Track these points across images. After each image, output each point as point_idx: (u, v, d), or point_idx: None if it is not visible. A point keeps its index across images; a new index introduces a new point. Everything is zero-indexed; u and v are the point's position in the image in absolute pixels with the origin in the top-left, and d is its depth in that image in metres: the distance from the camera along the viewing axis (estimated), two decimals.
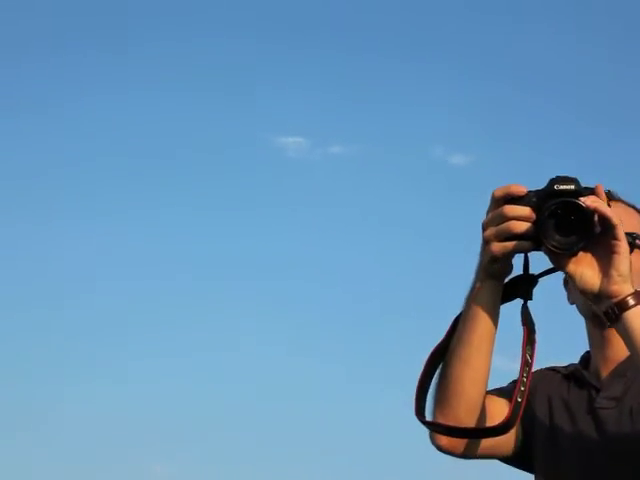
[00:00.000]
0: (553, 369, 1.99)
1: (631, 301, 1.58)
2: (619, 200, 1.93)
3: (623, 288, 1.59)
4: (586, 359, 1.96)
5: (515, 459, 1.96)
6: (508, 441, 1.91)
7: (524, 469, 1.99)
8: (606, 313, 1.61)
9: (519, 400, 1.67)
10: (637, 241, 1.89)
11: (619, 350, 1.82)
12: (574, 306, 1.94)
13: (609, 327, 1.66)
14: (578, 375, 1.93)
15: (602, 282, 1.60)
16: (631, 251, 1.85)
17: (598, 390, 1.87)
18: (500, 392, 1.90)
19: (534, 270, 1.74)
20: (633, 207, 1.97)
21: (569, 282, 1.95)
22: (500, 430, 1.72)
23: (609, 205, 1.61)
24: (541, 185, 1.64)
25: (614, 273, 1.59)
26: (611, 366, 1.88)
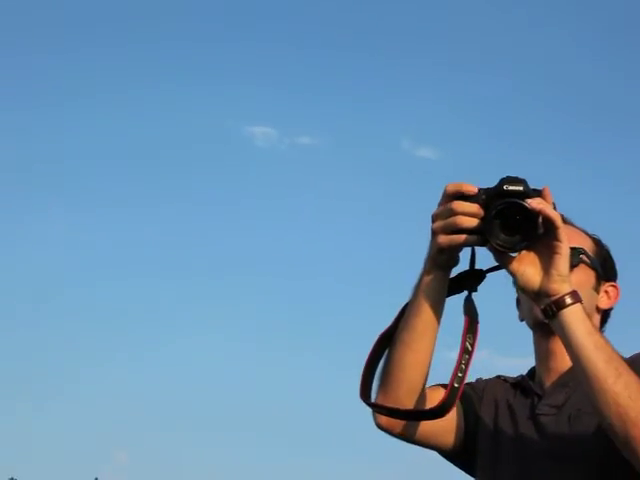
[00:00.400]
0: (502, 378, 2.09)
1: (568, 300, 1.68)
2: (570, 223, 2.04)
3: (562, 287, 1.68)
4: (533, 371, 2.06)
5: (454, 455, 2.05)
6: (448, 434, 2.00)
7: (462, 468, 2.09)
8: (544, 310, 1.70)
9: (456, 385, 1.74)
10: (582, 256, 1.99)
11: (563, 361, 1.92)
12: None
13: (547, 323, 1.74)
14: (524, 384, 2.03)
15: (542, 280, 1.69)
16: (577, 265, 1.95)
17: (541, 398, 1.96)
18: (445, 385, 1.98)
19: (482, 263, 1.82)
20: (583, 230, 2.08)
21: (517, 294, 2.04)
22: (436, 412, 1.80)
23: (555, 209, 1.69)
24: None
25: (554, 272, 1.68)
26: (554, 376, 1.98)
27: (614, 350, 1.67)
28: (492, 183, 1.71)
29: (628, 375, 1.63)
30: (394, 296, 1.84)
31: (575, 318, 1.67)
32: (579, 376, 1.68)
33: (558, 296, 1.68)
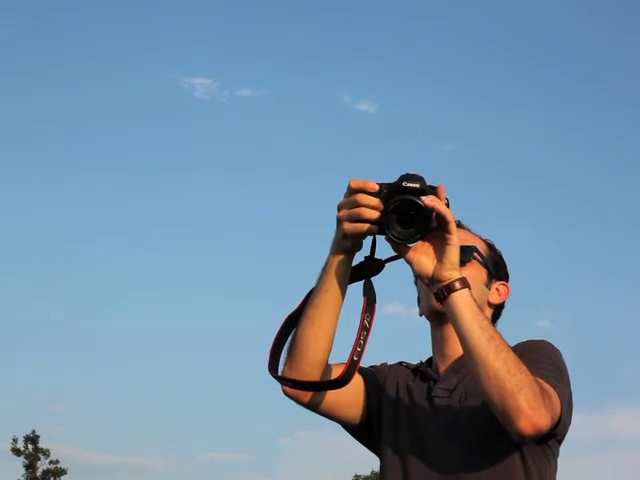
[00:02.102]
0: (404, 364, 2.30)
1: (457, 285, 1.90)
2: (465, 228, 2.28)
3: (452, 274, 1.90)
4: (431, 359, 2.28)
5: (356, 429, 2.25)
6: (351, 407, 2.20)
7: (363, 442, 2.29)
8: (436, 294, 1.92)
9: (355, 359, 1.94)
10: (474, 254, 2.23)
11: (455, 348, 2.14)
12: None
13: (442, 313, 1.97)
14: (422, 370, 2.24)
15: (435, 268, 1.91)
16: (469, 261, 2.19)
17: (436, 382, 2.18)
18: None
19: (383, 252, 2.00)
20: (477, 235, 2.31)
21: (417, 293, 2.27)
22: (337, 383, 1.99)
23: (448, 205, 1.89)
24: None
25: (446, 261, 1.90)
26: (448, 362, 2.20)
27: (496, 331, 1.89)
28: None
29: (507, 352, 1.85)
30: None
31: (463, 301, 1.88)
32: (465, 353, 1.89)
33: (449, 281, 1.89)
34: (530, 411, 1.82)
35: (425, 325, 2.27)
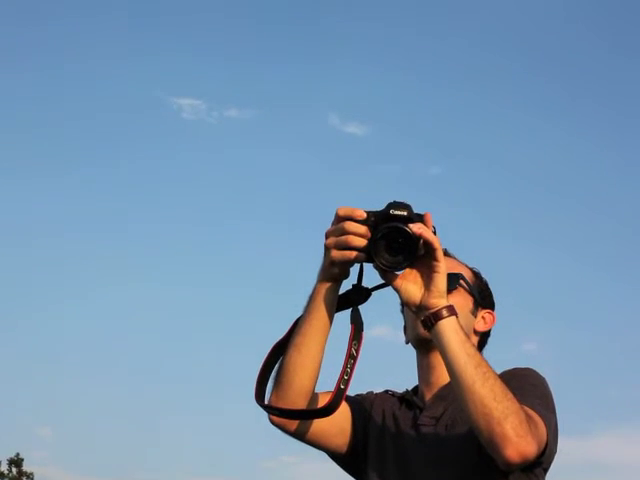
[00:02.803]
0: (390, 393, 2.30)
1: (445, 312, 1.90)
2: (452, 256, 2.29)
3: (440, 301, 1.91)
4: (416, 387, 2.28)
5: (342, 458, 2.24)
6: (338, 436, 2.19)
7: (349, 471, 2.28)
8: (424, 321, 1.92)
9: (342, 387, 1.94)
10: (461, 281, 2.24)
11: (441, 376, 2.15)
12: None
13: (428, 340, 1.97)
14: (408, 398, 2.24)
15: (423, 295, 1.92)
16: (456, 288, 2.19)
17: (422, 410, 2.18)
18: None
19: (371, 279, 2.01)
20: (464, 263, 2.32)
21: (404, 321, 2.28)
22: (324, 411, 1.99)
23: (435, 233, 1.90)
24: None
25: (434, 289, 1.91)
26: (434, 390, 2.20)
27: (483, 358, 1.89)
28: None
29: (494, 380, 1.85)
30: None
31: (450, 328, 1.89)
32: (452, 380, 1.89)
33: (436, 309, 1.90)
34: (516, 438, 1.82)
35: (411, 353, 2.27)
